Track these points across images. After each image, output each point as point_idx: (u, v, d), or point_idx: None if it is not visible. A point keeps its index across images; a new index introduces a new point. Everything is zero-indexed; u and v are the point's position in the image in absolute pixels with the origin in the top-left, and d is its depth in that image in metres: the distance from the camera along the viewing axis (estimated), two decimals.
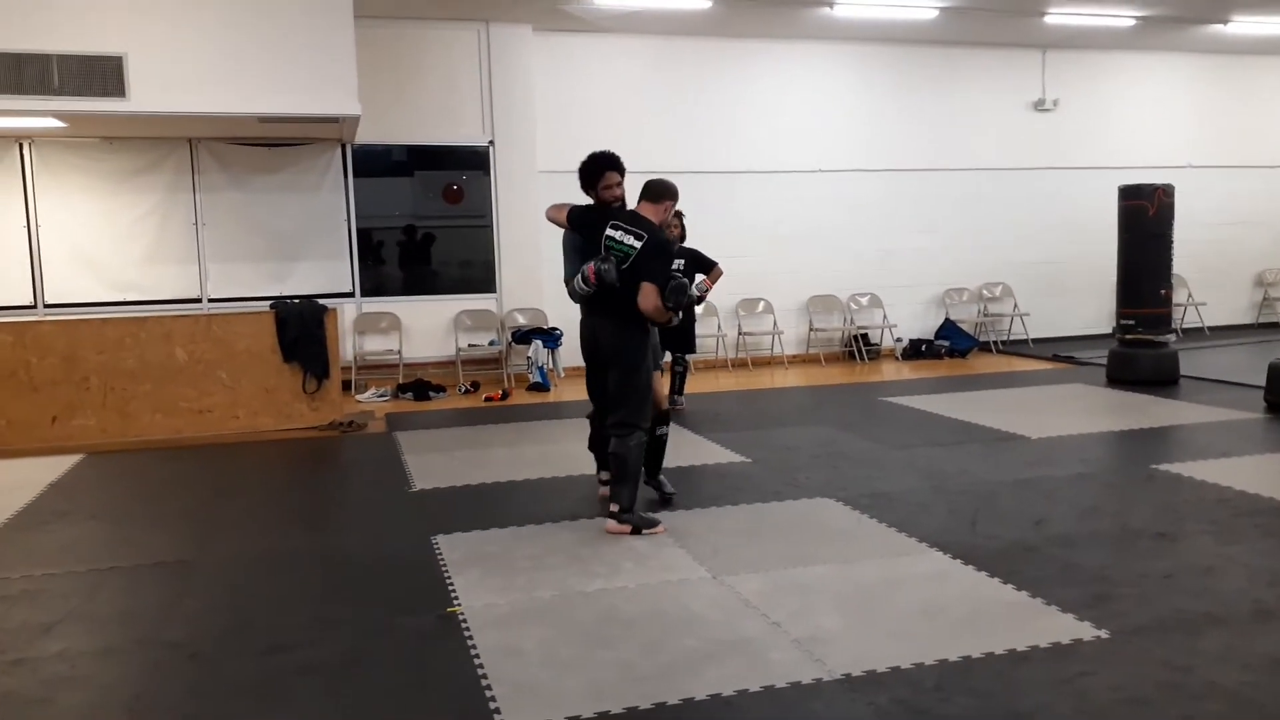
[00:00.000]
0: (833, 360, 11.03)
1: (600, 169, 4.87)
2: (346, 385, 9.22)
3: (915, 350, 11.10)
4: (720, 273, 7.76)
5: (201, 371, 7.37)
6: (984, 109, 11.49)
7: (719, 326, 10.61)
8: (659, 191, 4.83)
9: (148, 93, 7.37)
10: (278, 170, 9.37)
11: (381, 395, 9.04)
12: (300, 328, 7.55)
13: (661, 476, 5.21)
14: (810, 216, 10.93)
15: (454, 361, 9.72)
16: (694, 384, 9.16)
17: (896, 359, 11.09)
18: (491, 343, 9.80)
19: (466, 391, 9.24)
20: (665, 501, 5.11)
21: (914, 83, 11.22)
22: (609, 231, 4.70)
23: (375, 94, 9.04)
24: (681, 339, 7.83)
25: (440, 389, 9.14)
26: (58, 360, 7.10)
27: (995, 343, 11.49)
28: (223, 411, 7.44)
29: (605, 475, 4.97)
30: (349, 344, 9.50)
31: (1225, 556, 4.11)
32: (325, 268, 9.57)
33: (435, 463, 6.23)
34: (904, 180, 11.22)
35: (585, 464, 5.71)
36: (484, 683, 3.05)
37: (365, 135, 9.19)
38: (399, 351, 9.63)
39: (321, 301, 7.84)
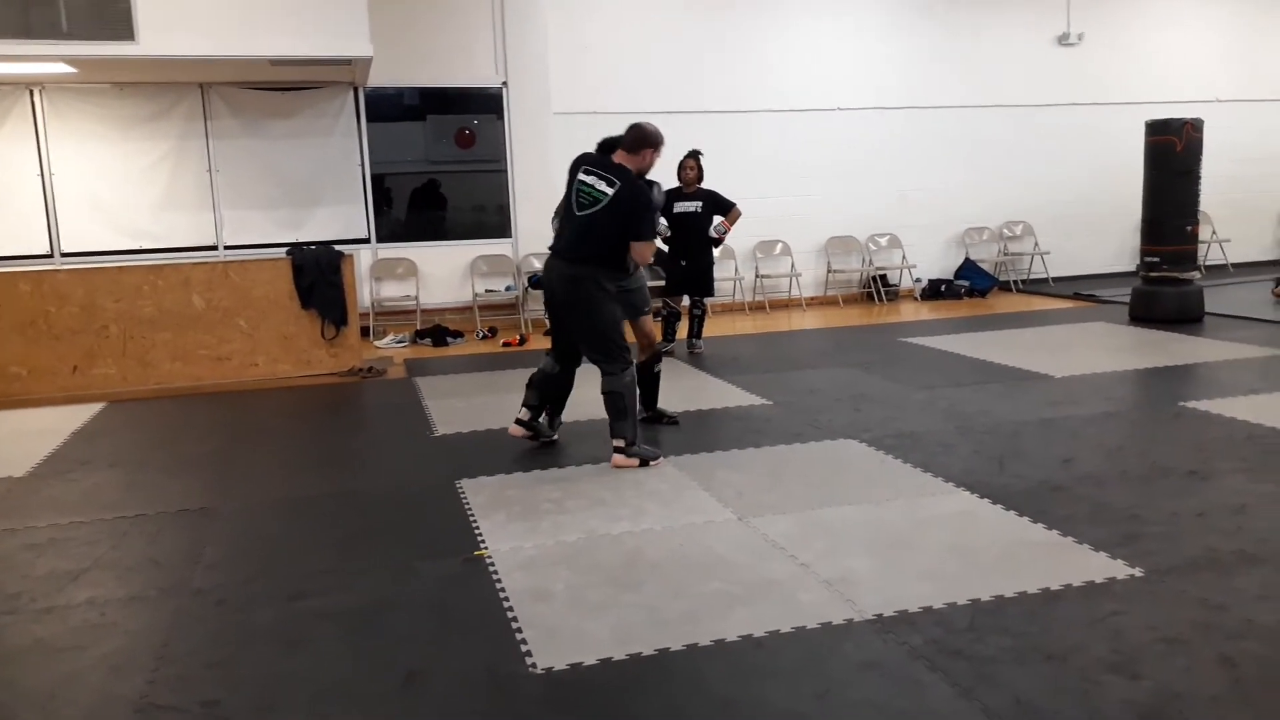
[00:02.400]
0: (851, 302, 10.92)
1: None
2: (365, 332, 9.22)
3: (934, 290, 10.98)
4: (739, 214, 7.66)
5: (219, 319, 7.35)
6: (1007, 44, 11.20)
7: (736, 269, 10.50)
8: (636, 140, 4.73)
9: (156, 36, 7.24)
10: (290, 115, 9.24)
11: (400, 341, 9.02)
12: (316, 274, 7.50)
13: (660, 406, 5.57)
14: (829, 156, 10.75)
15: (471, 307, 9.67)
16: (711, 327, 9.10)
17: (915, 300, 10.98)
18: (508, 288, 9.73)
19: (484, 337, 9.20)
20: (673, 423, 5.51)
21: (935, 18, 10.94)
22: (580, 175, 4.70)
23: (386, 35, 8.87)
24: (699, 282, 7.75)
25: (458, 335, 9.12)
26: (76, 309, 7.08)
27: (1015, 282, 11.36)
28: (242, 359, 7.43)
29: (525, 414, 5.04)
30: (366, 290, 9.46)
31: (1258, 494, 4.06)
32: (340, 213, 9.48)
33: (455, 408, 6.21)
34: (924, 118, 10.99)
35: (601, 408, 5.67)
36: (514, 625, 3.04)
37: (377, 78, 9.07)
38: (416, 297, 9.59)
39: (338, 248, 7.78)
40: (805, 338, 8.89)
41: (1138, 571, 3.31)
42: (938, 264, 11.29)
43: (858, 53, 10.73)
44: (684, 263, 7.63)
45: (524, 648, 2.90)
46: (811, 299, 10.89)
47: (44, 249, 8.85)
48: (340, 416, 6.43)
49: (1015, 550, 3.55)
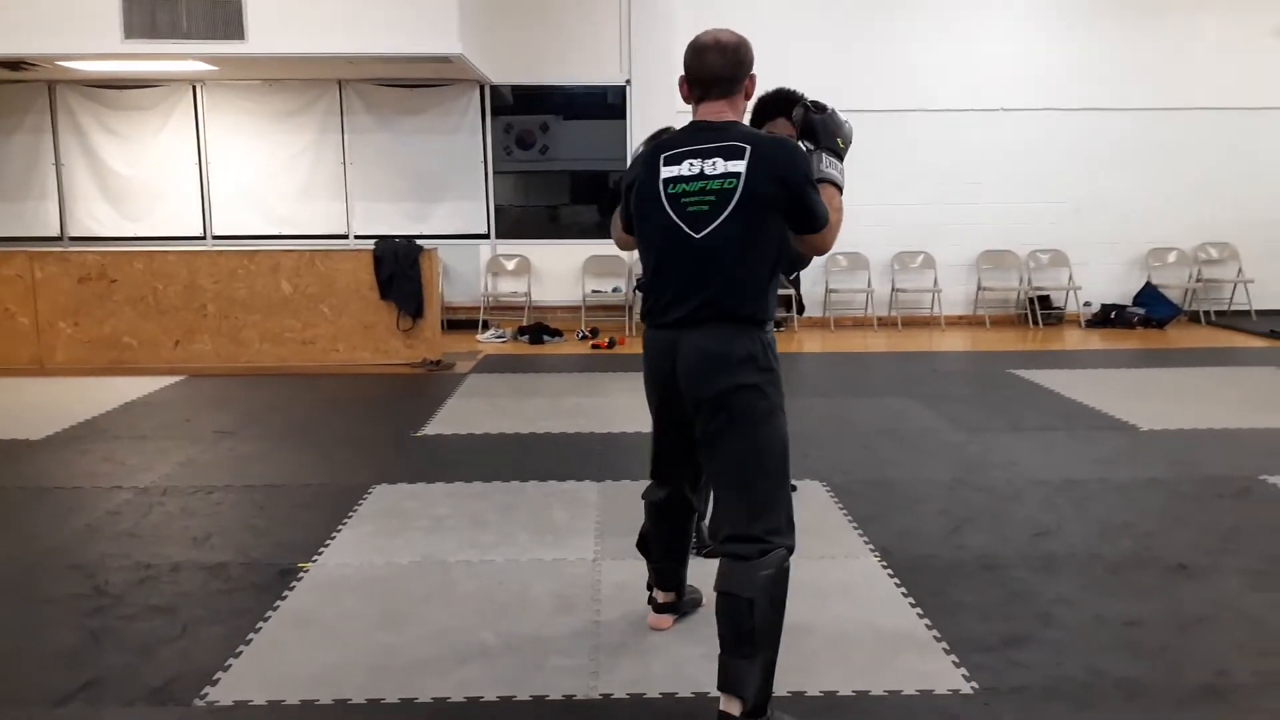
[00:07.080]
0: (1001, 324, 9.87)
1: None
2: (473, 325, 9.42)
3: (1105, 317, 9.70)
4: None
5: (305, 304, 7.71)
6: (1209, 37, 9.64)
7: (869, 282, 9.78)
8: (730, 67, 2.61)
9: (265, 35, 7.69)
10: (420, 111, 9.57)
11: (500, 336, 9.11)
12: (395, 266, 7.69)
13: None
14: (987, 162, 9.76)
15: (580, 307, 9.61)
16: (831, 342, 8.64)
17: (1080, 327, 9.75)
18: (615, 289, 9.58)
19: (583, 337, 9.10)
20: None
21: (1120, 7, 9.63)
22: (664, 173, 2.56)
23: (512, 34, 9.10)
24: None
25: (557, 333, 9.07)
26: (180, 288, 7.66)
27: (1206, 313, 9.81)
28: (325, 344, 7.76)
29: (662, 596, 3.06)
30: (482, 284, 9.67)
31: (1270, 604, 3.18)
32: (463, 208, 9.72)
33: (470, 408, 6.15)
34: (1104, 121, 9.69)
35: (602, 421, 5.42)
36: (238, 650, 2.89)
37: (502, 75, 9.23)
38: (528, 294, 9.65)
39: (421, 242, 7.93)
40: (908, 361, 8.10)
41: (971, 688, 2.67)
42: (1114, 288, 9.96)
43: (1025, 46, 9.63)
44: None
45: (217, 675, 2.74)
46: (956, 318, 9.95)
47: (198, 232, 9.69)
48: (361, 406, 6.45)
49: (855, 638, 2.97)
